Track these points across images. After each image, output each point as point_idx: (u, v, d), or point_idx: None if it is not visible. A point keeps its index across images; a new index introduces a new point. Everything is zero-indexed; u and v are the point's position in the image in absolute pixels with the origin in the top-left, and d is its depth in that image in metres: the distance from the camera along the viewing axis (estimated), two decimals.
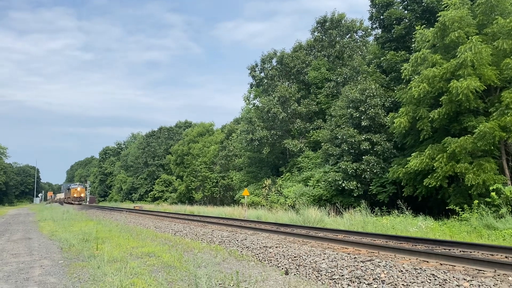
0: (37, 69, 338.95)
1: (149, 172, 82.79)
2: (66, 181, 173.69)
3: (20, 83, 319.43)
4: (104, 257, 9.78)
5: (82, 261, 10.18)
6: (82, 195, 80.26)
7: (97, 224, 20.48)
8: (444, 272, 7.30)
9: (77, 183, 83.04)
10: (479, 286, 6.62)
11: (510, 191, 17.02)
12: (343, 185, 26.24)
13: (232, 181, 47.31)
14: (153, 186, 79.26)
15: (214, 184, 56.14)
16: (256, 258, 10.40)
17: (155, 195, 76.28)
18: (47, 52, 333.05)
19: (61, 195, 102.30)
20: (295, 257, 9.72)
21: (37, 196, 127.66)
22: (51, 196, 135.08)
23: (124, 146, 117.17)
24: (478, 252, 9.81)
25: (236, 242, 12.79)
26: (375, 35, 31.65)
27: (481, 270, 7.65)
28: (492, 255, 9.48)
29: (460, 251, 9.98)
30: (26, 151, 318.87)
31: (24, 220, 28.74)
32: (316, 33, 42.28)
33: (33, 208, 64.38)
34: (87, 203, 78.69)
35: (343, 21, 40.57)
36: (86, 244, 12.86)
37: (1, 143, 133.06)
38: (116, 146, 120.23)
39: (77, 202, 76.55)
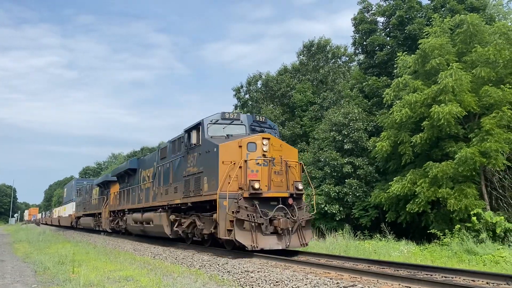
0: (18, 86, 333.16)
1: None
2: (44, 200, 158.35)
3: (0, 100, 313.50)
4: (80, 281, 9.43)
5: (56, 285, 9.79)
6: None
7: (74, 246, 19.88)
8: None
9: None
10: None
11: (490, 216, 17.19)
12: (326, 208, 26.15)
13: None
14: None
15: None
16: (237, 283, 10.16)
17: None
18: (30, 69, 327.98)
19: (62, 212, 52.47)
20: (277, 282, 9.53)
21: (12, 216, 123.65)
22: (33, 215, 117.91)
23: (104, 166, 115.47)
24: (459, 278, 9.78)
25: (217, 266, 12.53)
26: (358, 60, 32.15)
27: None
28: (474, 280, 9.45)
29: (442, 277, 9.94)
30: (3, 170, 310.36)
31: None
32: (301, 57, 42.86)
33: (7, 229, 62.41)
34: None
35: (328, 47, 41.27)
36: (61, 267, 12.40)
37: None
38: (96, 166, 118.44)
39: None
